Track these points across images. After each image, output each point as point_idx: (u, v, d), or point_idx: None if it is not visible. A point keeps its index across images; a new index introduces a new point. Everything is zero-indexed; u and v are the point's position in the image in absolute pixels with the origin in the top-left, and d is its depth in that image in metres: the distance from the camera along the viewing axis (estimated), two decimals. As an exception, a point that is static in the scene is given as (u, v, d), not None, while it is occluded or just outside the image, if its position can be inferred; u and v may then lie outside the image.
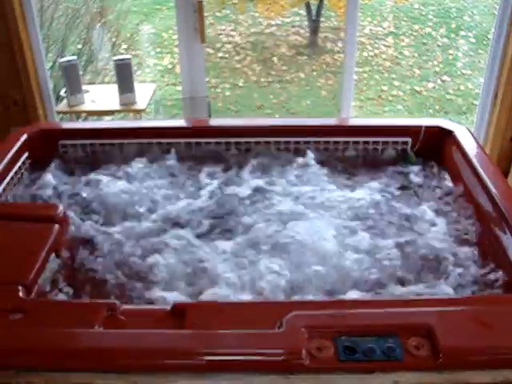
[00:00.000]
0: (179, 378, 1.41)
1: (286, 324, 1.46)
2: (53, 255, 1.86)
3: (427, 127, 2.42)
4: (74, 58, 3.44)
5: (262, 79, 6.58)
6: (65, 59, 3.38)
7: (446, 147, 2.36)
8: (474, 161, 2.16)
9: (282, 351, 1.42)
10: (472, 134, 2.37)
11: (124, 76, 3.25)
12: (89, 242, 2.01)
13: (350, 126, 2.60)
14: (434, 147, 2.40)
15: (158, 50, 7.13)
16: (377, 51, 7.02)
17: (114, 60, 3.34)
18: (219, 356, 1.44)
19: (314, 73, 6.64)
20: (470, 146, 2.25)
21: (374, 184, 2.28)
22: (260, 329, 1.47)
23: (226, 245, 1.98)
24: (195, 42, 3.08)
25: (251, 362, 1.42)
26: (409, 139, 2.42)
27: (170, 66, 6.77)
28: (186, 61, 3.14)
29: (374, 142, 2.43)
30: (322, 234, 1.96)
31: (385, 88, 6.39)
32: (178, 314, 1.53)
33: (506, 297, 1.68)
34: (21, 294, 1.62)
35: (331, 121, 2.91)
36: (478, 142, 2.33)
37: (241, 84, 6.54)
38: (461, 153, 2.25)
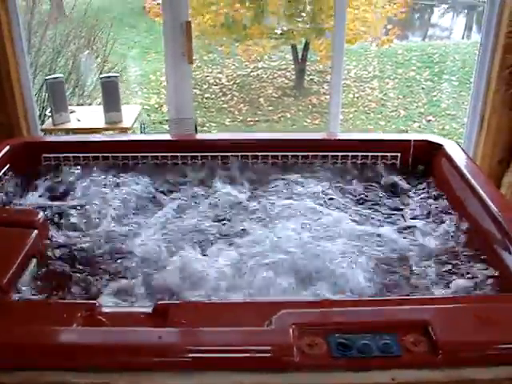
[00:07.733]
0: (163, 376, 1.32)
1: (276, 322, 1.39)
2: (34, 260, 1.80)
3: (416, 141, 2.40)
4: (61, 75, 3.40)
5: (249, 118, 6.61)
6: (51, 76, 3.32)
7: (435, 160, 2.33)
8: (465, 171, 2.12)
9: (270, 348, 1.34)
10: (461, 148, 2.35)
11: (110, 94, 3.18)
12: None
13: (340, 140, 2.57)
14: (423, 161, 2.38)
15: (145, 90, 7.18)
16: (362, 93, 7.11)
17: (101, 78, 3.28)
18: (205, 353, 1.36)
19: (301, 113, 6.69)
20: (459, 158, 2.23)
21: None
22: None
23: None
24: (182, 62, 3.04)
25: (239, 360, 1.34)
26: (398, 154, 2.40)
27: (156, 106, 6.79)
28: (173, 81, 3.10)
29: (363, 157, 2.39)
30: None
31: (371, 127, 6.44)
32: (161, 316, 1.45)
33: (502, 296, 1.63)
34: (-5, 295, 1.54)
35: (321, 135, 2.88)
36: (467, 154, 2.31)
37: (227, 123, 6.56)
38: (451, 164, 2.22)
